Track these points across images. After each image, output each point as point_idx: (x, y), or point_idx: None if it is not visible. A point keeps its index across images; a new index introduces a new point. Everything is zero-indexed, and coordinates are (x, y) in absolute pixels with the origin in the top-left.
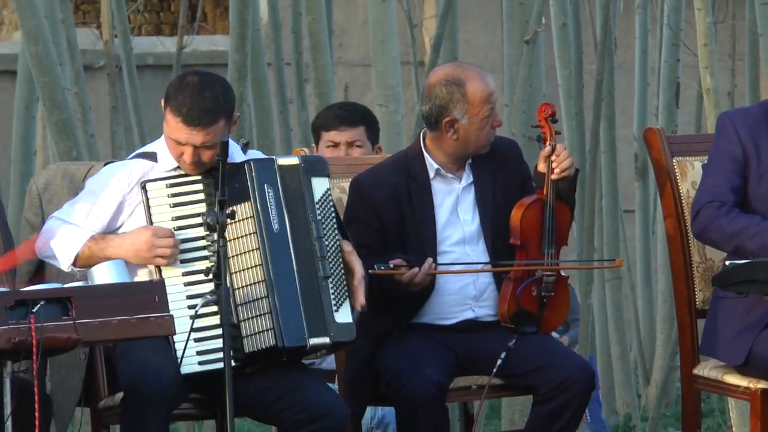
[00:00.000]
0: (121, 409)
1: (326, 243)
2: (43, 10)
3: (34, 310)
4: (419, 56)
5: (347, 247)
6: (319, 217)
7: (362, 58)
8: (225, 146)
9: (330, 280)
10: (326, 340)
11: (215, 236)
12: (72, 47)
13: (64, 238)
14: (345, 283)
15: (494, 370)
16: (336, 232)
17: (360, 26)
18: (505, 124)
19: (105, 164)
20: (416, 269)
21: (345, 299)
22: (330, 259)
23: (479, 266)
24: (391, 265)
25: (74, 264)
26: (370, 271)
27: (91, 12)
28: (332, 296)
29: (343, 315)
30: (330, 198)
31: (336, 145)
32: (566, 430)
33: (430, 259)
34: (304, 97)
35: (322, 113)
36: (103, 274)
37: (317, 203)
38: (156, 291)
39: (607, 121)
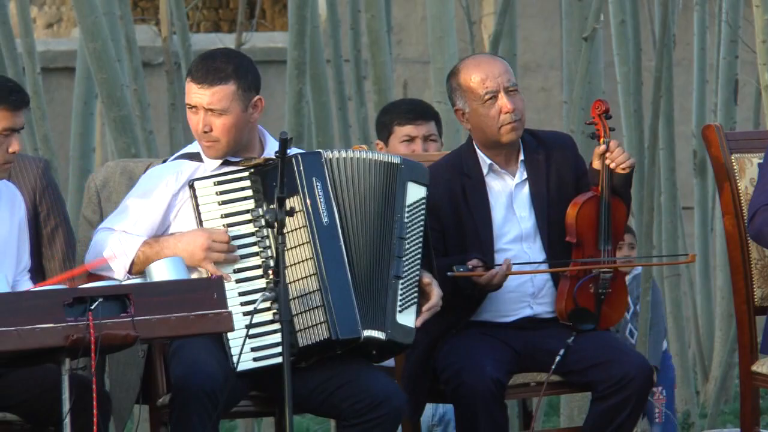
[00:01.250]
0: (169, 407)
1: (407, 246)
2: (101, 7)
3: (92, 308)
4: (478, 53)
5: (426, 278)
6: (406, 220)
7: (421, 55)
8: (285, 143)
9: (401, 281)
10: (382, 335)
11: (265, 232)
12: (130, 44)
13: (117, 247)
14: (416, 291)
15: (553, 367)
16: (420, 243)
17: (419, 23)
18: (564, 120)
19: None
20: (494, 270)
21: (412, 304)
22: (406, 263)
23: (555, 266)
24: (470, 267)
25: (129, 271)
26: (449, 273)
27: (150, 9)
28: (399, 297)
29: (406, 318)
30: (422, 208)
31: (412, 139)
32: (625, 427)
33: (507, 260)
34: (362, 94)
35: (391, 108)
36: (162, 271)
37: (408, 206)
38: (215, 287)
39: (666, 118)
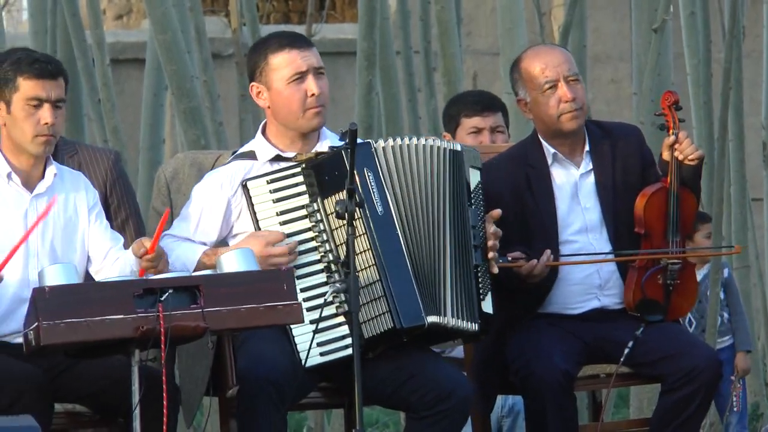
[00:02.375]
0: (237, 399)
1: (480, 233)
2: None
3: (162, 299)
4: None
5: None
6: (473, 207)
7: (490, 47)
8: (354, 134)
9: (479, 269)
10: (472, 325)
11: (322, 226)
12: (200, 35)
13: (180, 256)
14: (489, 277)
15: (622, 359)
16: (484, 223)
17: (488, 14)
18: (634, 112)
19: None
20: (534, 261)
21: (489, 290)
22: (480, 250)
23: (600, 257)
24: (510, 258)
25: None
26: None
27: (220, 0)
28: (480, 285)
29: (487, 305)
30: (481, 190)
31: (479, 131)
32: (694, 419)
33: (548, 251)
34: (432, 86)
35: (459, 99)
36: (232, 262)
37: (472, 193)
38: (284, 279)
39: (735, 109)
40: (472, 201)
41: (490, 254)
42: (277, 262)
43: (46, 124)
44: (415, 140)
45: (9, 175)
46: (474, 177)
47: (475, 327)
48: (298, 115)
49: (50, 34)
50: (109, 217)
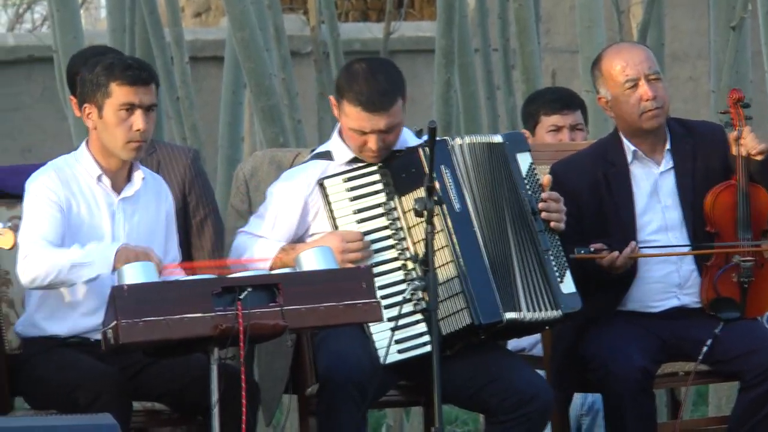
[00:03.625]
0: (317, 398)
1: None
2: None
3: (241, 297)
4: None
5: None
6: (529, 192)
7: (569, 44)
8: (433, 132)
9: (550, 252)
10: (557, 313)
11: (399, 224)
12: (279, 33)
13: (255, 252)
14: (563, 253)
15: (700, 357)
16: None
17: (567, 12)
18: (711, 110)
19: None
20: (616, 252)
21: (566, 269)
22: (546, 232)
23: (679, 249)
24: (592, 249)
25: None
26: (571, 255)
27: None
28: (555, 268)
29: (568, 285)
30: (535, 171)
31: (559, 129)
32: None
33: (633, 243)
34: (510, 84)
35: (537, 97)
36: (311, 261)
37: (525, 178)
38: (363, 277)
39: None
40: (528, 186)
41: (552, 223)
42: (353, 259)
43: (138, 130)
44: (476, 138)
45: (99, 177)
46: (524, 160)
47: (558, 313)
48: None
49: (128, 31)
50: (187, 216)
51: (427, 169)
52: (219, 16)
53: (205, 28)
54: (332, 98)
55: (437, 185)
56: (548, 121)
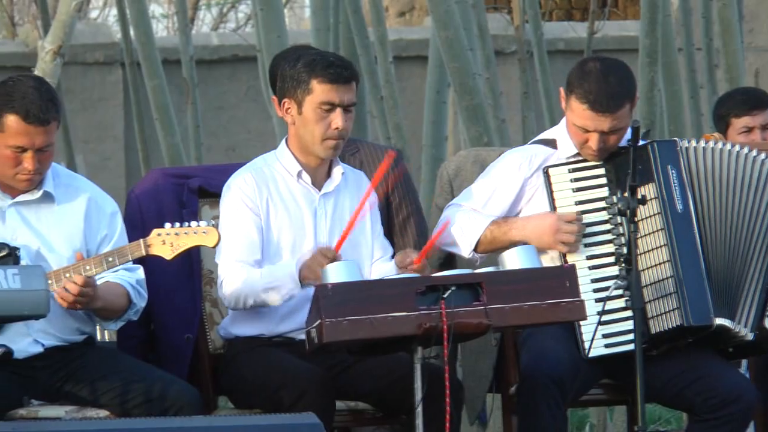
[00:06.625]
0: (516, 395)
1: None
2: None
3: (444, 296)
4: None
5: None
6: None
7: None
8: (636, 131)
9: None
10: (745, 330)
11: (619, 220)
12: (483, 33)
13: (465, 223)
14: None
15: None
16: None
17: None
18: None
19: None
20: None
21: None
22: None
23: None
24: None
25: (475, 249)
26: None
27: None
28: None
29: None
30: None
31: (750, 129)
32: None
33: None
34: (714, 83)
35: (726, 99)
36: (514, 259)
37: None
38: (567, 276)
39: None
40: None
41: None
42: (564, 239)
43: (337, 128)
44: (728, 146)
45: (299, 174)
46: None
47: (747, 332)
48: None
49: (332, 31)
50: (390, 215)
51: (653, 168)
52: (423, 16)
53: (409, 28)
54: (562, 90)
55: (663, 184)
56: (739, 122)
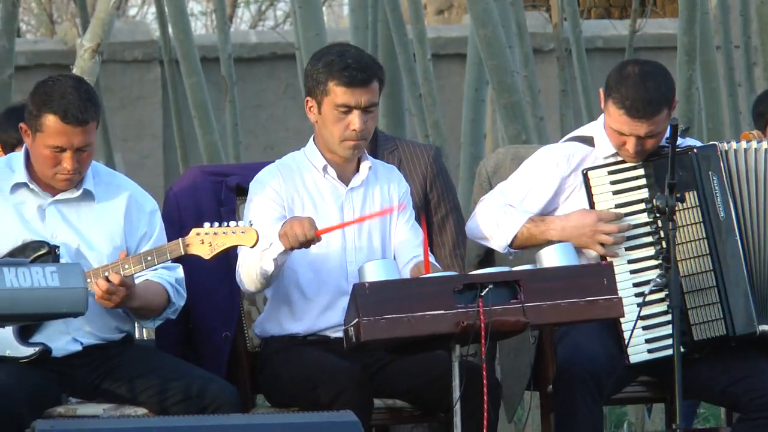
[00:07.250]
0: (553, 392)
1: None
2: None
3: (482, 294)
4: None
5: None
6: None
7: None
8: (675, 130)
9: None
10: None
11: (660, 222)
12: (521, 30)
13: (501, 219)
14: None
15: None
16: None
17: None
18: None
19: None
20: None
21: None
22: None
23: None
24: None
25: (510, 245)
26: None
27: None
28: None
29: None
30: None
31: None
32: None
33: None
34: (752, 81)
35: (765, 97)
36: (551, 257)
37: None
38: (605, 273)
39: None
40: None
41: None
42: (604, 240)
43: (354, 130)
44: (764, 144)
45: (325, 168)
46: None
47: None
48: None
49: (371, 29)
50: (428, 213)
51: (695, 176)
52: (461, 14)
53: (447, 26)
54: (601, 91)
55: (705, 193)
56: None
